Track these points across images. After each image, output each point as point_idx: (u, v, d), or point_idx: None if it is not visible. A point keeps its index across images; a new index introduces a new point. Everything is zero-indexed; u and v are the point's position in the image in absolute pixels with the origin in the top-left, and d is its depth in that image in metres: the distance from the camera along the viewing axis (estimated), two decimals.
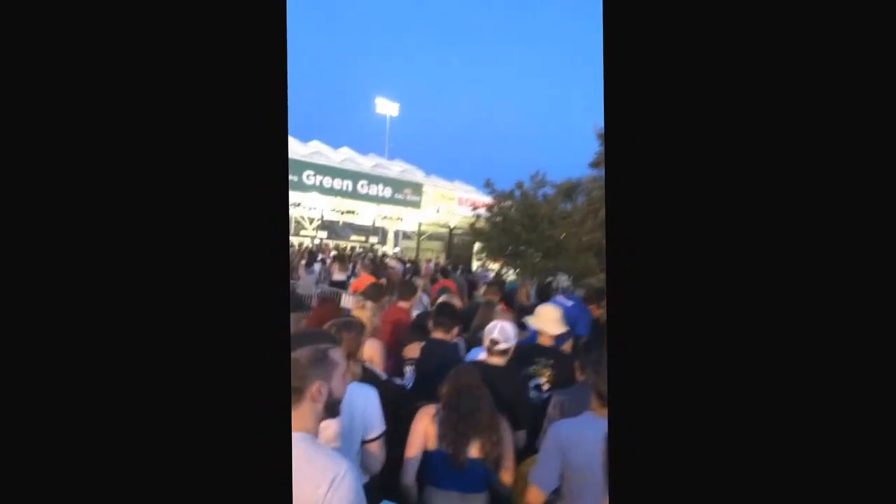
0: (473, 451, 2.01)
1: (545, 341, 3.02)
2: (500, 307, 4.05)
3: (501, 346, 2.54)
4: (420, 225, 18.02)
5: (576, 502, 1.72)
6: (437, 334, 2.93)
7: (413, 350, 3.00)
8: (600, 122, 4.39)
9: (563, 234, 10.17)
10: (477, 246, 14.25)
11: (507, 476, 2.05)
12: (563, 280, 10.51)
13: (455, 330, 2.97)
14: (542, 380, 2.87)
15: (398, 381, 2.78)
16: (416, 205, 16.92)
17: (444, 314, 2.99)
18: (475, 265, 14.61)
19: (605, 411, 1.74)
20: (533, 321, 3.15)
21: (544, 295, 6.15)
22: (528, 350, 2.96)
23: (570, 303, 4.08)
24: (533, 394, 2.79)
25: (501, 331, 2.56)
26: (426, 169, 19.08)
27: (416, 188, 16.96)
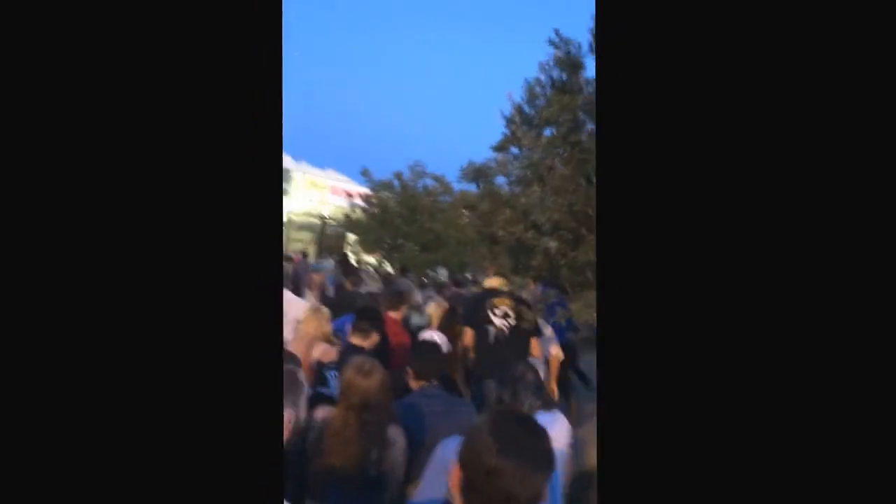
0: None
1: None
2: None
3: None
4: (288, 214, 16.91)
5: None
6: (355, 340, 2.64)
7: (329, 353, 2.71)
8: (505, 105, 4.00)
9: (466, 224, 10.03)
10: (351, 237, 13.64)
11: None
12: (442, 274, 10.33)
13: (374, 337, 2.69)
14: (504, 307, 3.32)
15: (324, 390, 2.43)
16: (284, 192, 15.82)
17: (366, 318, 2.71)
18: (350, 258, 14.00)
19: None
20: (486, 283, 3.66)
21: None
22: (481, 294, 3.52)
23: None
24: (498, 321, 3.27)
25: (438, 338, 2.48)
26: (294, 155, 17.86)
27: (283, 174, 15.86)
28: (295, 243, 16.93)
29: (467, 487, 0.82)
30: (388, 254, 11.57)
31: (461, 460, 0.85)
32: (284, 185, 15.33)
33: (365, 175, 11.43)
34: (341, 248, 14.73)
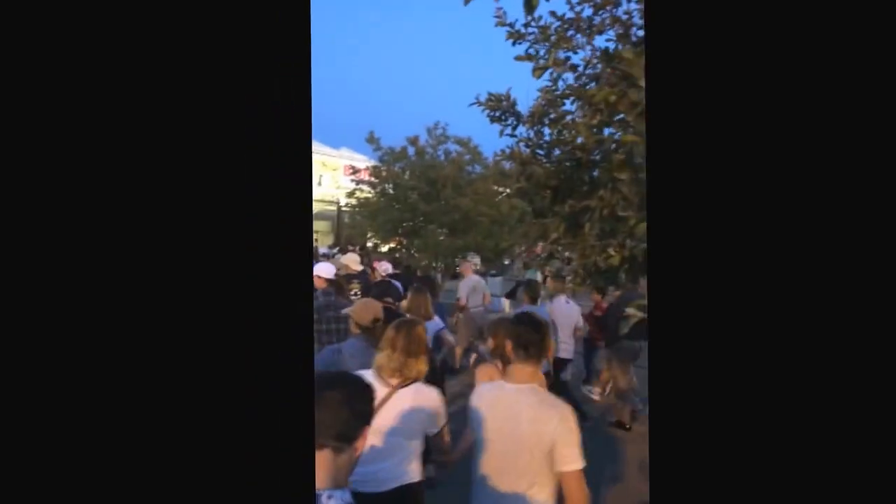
0: None
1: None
2: None
3: None
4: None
5: None
6: None
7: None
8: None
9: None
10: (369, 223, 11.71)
11: None
12: (474, 261, 8.23)
13: None
14: None
15: None
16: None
17: None
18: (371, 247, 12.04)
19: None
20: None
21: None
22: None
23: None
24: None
25: None
26: None
27: None
28: None
29: None
30: (409, 239, 9.55)
31: None
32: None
33: (371, 143, 9.33)
34: (364, 237, 12.90)
